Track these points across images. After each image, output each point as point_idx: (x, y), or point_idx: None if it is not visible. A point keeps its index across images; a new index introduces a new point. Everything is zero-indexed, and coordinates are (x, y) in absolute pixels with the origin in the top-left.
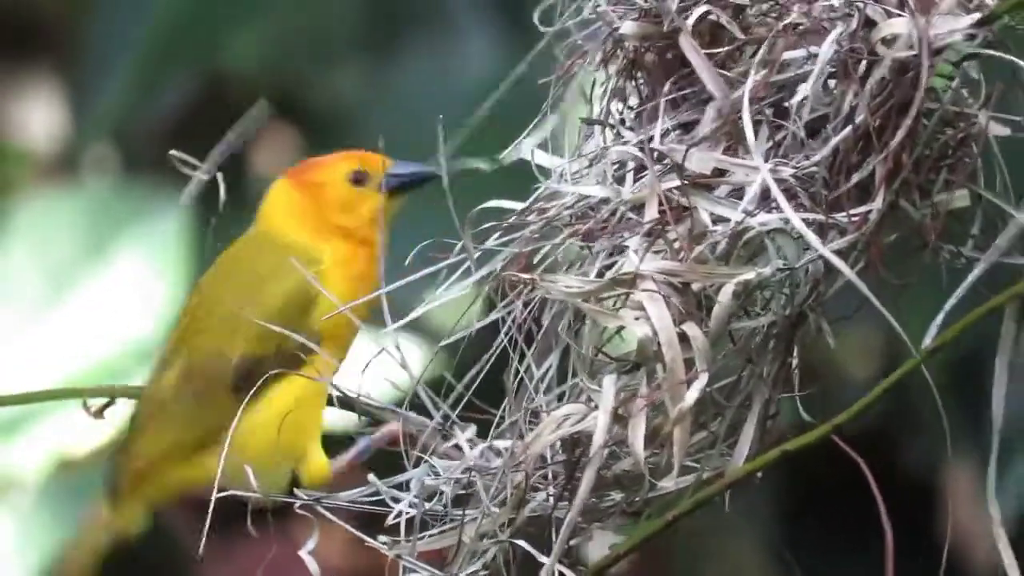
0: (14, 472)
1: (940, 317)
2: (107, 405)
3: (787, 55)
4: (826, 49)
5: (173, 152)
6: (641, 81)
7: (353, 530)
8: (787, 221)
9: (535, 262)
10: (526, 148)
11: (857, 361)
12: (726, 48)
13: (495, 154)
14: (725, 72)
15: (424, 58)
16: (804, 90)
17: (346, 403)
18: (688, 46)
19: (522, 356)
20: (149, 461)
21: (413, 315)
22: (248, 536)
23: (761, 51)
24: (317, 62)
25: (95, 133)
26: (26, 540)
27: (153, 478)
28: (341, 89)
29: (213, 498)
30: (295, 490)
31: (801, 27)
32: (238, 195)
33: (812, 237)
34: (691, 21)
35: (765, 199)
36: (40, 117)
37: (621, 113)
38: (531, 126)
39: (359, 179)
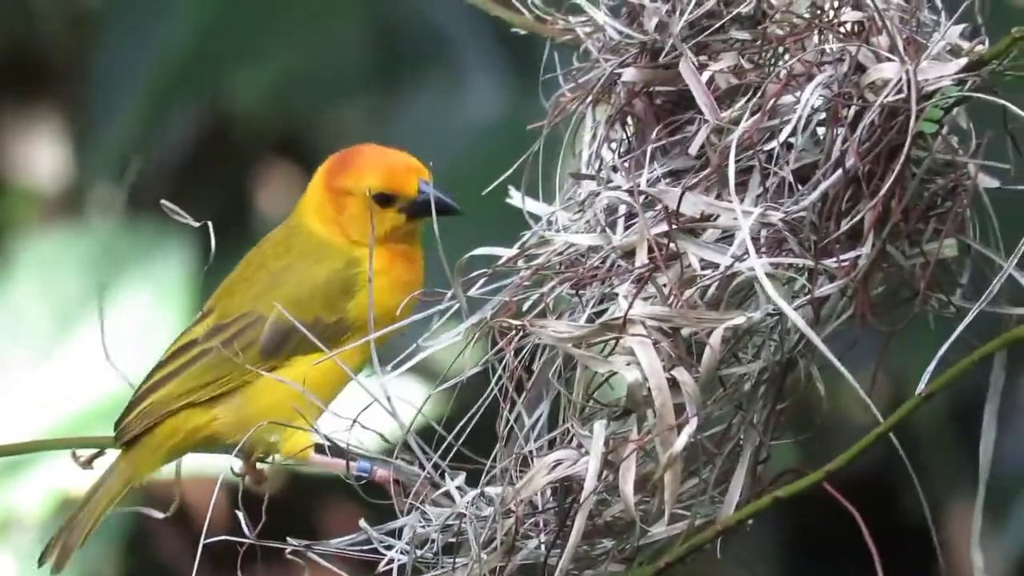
0: (15, 511)
1: (932, 364)
2: (97, 455)
3: (783, 100)
4: (810, 93)
5: (165, 202)
6: (631, 128)
7: None
8: (776, 266)
9: (525, 309)
10: (515, 195)
11: (858, 406)
12: (719, 92)
13: (502, 189)
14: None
15: (428, 98)
16: (788, 134)
17: (336, 450)
18: (687, 69)
19: (513, 403)
20: (164, 404)
21: (405, 365)
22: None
23: (753, 96)
24: (321, 102)
25: (99, 173)
26: None
27: (167, 423)
28: (345, 128)
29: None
30: (287, 538)
31: (795, 72)
32: (243, 232)
33: (768, 286)
34: (695, 51)
35: (756, 243)
36: (46, 157)
37: (611, 160)
38: (512, 168)
39: (382, 200)
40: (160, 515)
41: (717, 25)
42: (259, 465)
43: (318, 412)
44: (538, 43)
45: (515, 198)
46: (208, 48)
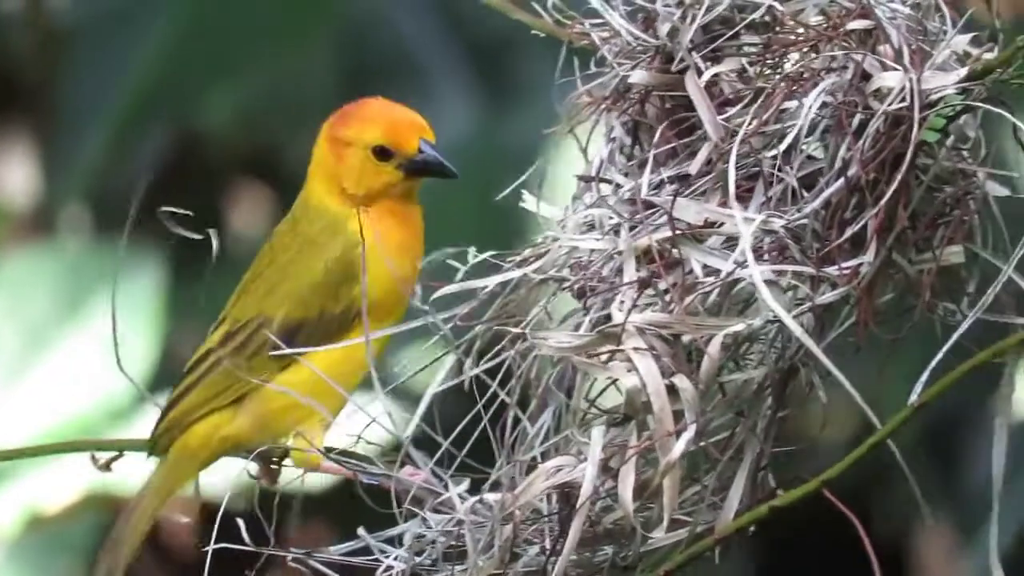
0: None
1: (926, 373)
2: (115, 458)
3: (787, 105)
4: (813, 100)
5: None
6: (642, 132)
7: None
8: (778, 273)
9: (527, 315)
10: (529, 198)
11: (838, 420)
12: (724, 97)
13: (475, 205)
14: (725, 124)
15: None
16: (792, 141)
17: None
18: (692, 84)
19: (517, 410)
20: (189, 413)
21: (402, 378)
22: None
23: (758, 102)
24: (291, 121)
25: (69, 193)
26: None
27: (196, 432)
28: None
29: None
30: (291, 549)
31: (802, 79)
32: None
33: (766, 292)
34: (704, 57)
35: (759, 250)
36: (16, 176)
37: (620, 164)
38: (527, 173)
39: (381, 154)
40: (185, 519)
41: (731, 33)
42: (272, 467)
43: (336, 407)
44: (506, 58)
45: (529, 202)
46: (178, 68)
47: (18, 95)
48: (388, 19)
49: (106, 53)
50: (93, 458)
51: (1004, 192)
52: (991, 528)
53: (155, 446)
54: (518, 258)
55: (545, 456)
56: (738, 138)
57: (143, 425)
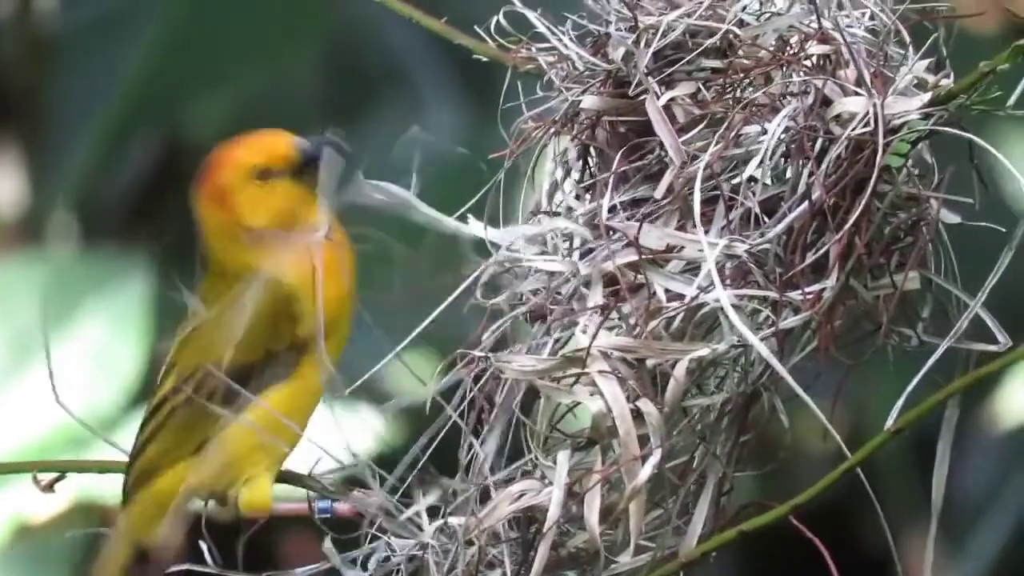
0: None
1: (902, 400)
2: (58, 479)
3: (746, 130)
4: (776, 126)
5: None
6: (593, 157)
7: None
8: (741, 298)
9: (484, 338)
10: (474, 223)
11: (817, 438)
12: (679, 123)
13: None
14: (685, 149)
15: (386, 128)
16: (754, 166)
17: (296, 481)
18: (653, 108)
19: (476, 431)
20: (153, 464)
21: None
22: None
23: (723, 127)
24: (280, 129)
25: (56, 203)
26: None
27: (160, 482)
28: None
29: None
30: (247, 567)
31: (761, 104)
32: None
33: (735, 317)
34: (659, 82)
35: (721, 275)
36: (5, 184)
37: (572, 190)
38: (476, 197)
39: (264, 174)
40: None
41: (685, 59)
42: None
43: (293, 439)
44: (496, 73)
45: (473, 226)
46: (167, 75)
47: (6, 102)
48: (378, 30)
49: (94, 60)
50: (35, 479)
51: (956, 219)
52: (927, 549)
53: (126, 499)
54: (468, 281)
55: (501, 481)
56: (702, 162)
57: (129, 435)
